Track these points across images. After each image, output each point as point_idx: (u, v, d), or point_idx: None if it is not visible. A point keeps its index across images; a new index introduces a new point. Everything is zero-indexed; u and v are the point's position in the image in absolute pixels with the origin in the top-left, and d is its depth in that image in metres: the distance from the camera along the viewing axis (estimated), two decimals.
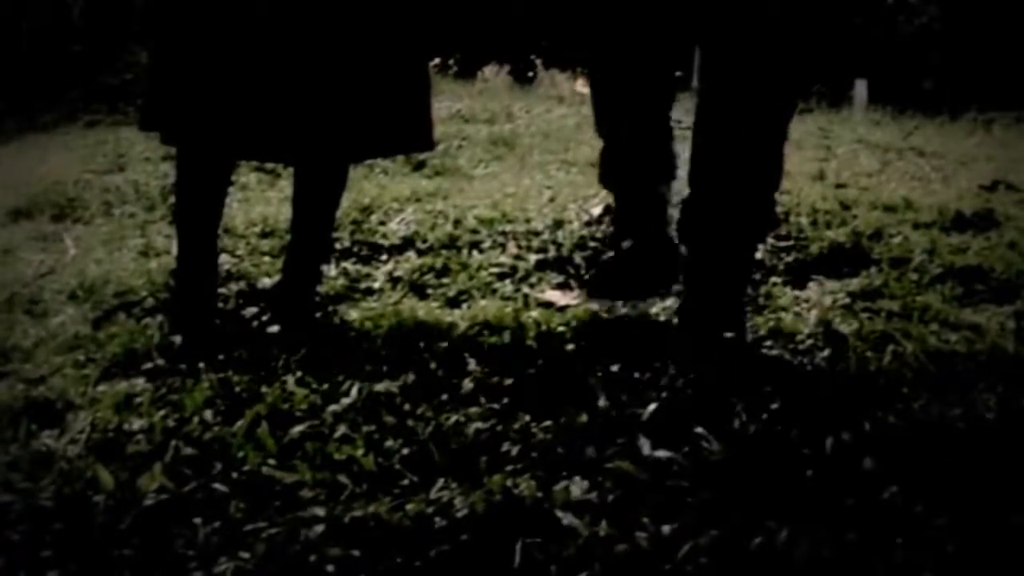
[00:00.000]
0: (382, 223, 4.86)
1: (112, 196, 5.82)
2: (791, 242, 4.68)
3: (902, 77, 17.57)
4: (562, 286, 4.30)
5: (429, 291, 4.21)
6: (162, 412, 3.00)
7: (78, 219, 5.56)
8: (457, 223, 4.83)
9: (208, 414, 2.99)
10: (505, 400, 3.10)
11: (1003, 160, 7.61)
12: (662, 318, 3.86)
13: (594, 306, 3.96)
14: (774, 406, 3.06)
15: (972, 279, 4.34)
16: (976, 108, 12.74)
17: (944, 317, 3.93)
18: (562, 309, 3.98)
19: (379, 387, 3.17)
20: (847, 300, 4.10)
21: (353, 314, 3.94)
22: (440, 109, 8.43)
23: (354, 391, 3.13)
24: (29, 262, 4.73)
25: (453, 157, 6.45)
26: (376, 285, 4.24)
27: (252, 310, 4.00)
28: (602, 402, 3.09)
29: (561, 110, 9.65)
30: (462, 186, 5.65)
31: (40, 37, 8.05)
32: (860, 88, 17.23)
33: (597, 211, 4.92)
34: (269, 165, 6.27)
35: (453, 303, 4.08)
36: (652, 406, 3.04)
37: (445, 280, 4.28)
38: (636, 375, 3.31)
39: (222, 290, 4.16)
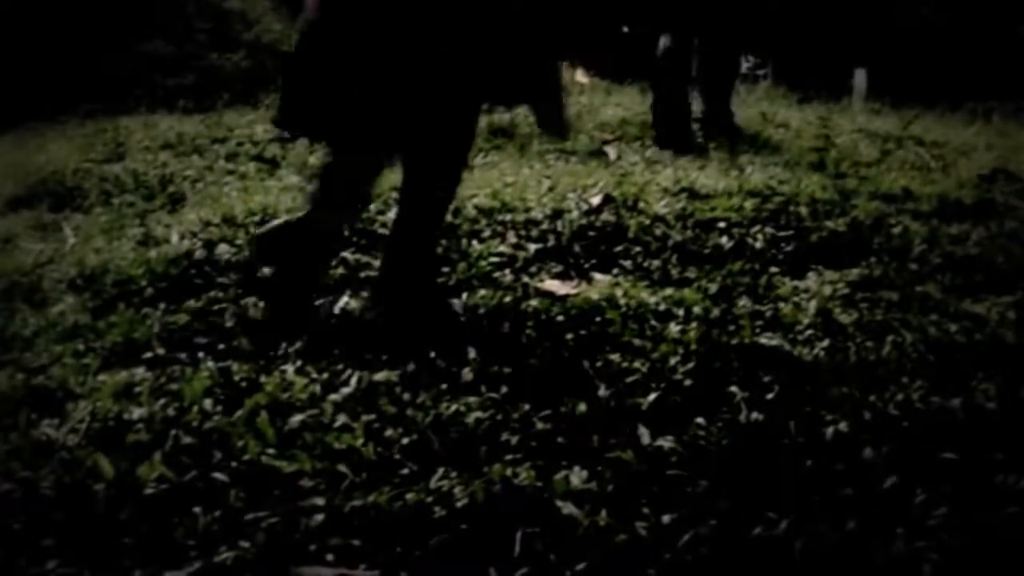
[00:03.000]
0: (381, 212, 4.84)
1: (111, 185, 5.81)
2: (790, 232, 4.66)
3: (902, 67, 17.53)
4: (562, 275, 4.29)
5: None
6: (162, 401, 3.00)
7: (77, 208, 5.55)
8: (457, 212, 4.80)
9: (208, 403, 2.99)
10: (505, 389, 3.10)
11: (1003, 149, 7.59)
12: (662, 307, 3.84)
13: (593, 295, 3.96)
14: (772, 396, 3.07)
15: (972, 269, 4.33)
16: (976, 97, 12.71)
17: (944, 307, 3.92)
18: (562, 298, 3.97)
19: (379, 376, 3.17)
20: (847, 290, 4.09)
21: (353, 303, 3.93)
22: None
23: (353, 380, 3.14)
24: (29, 251, 4.72)
25: None
26: (375, 274, 4.22)
27: (251, 299, 3.99)
28: (602, 392, 3.09)
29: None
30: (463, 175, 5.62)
31: (39, 26, 8.04)
32: (859, 78, 17.21)
33: (596, 200, 4.91)
34: (268, 154, 6.28)
35: (453, 292, 4.06)
36: (652, 396, 3.05)
37: (445, 269, 4.26)
38: (637, 365, 3.30)
39: (222, 279, 4.17)
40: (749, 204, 4.96)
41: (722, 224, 4.71)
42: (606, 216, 4.76)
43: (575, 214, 4.78)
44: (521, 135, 6.76)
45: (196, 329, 3.71)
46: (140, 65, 8.38)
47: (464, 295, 4.00)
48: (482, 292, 4.02)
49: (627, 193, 5.05)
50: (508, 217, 4.77)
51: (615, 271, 4.32)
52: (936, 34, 18.12)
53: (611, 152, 6.22)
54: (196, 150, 6.40)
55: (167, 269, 4.25)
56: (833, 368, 3.32)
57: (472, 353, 3.35)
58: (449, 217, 4.74)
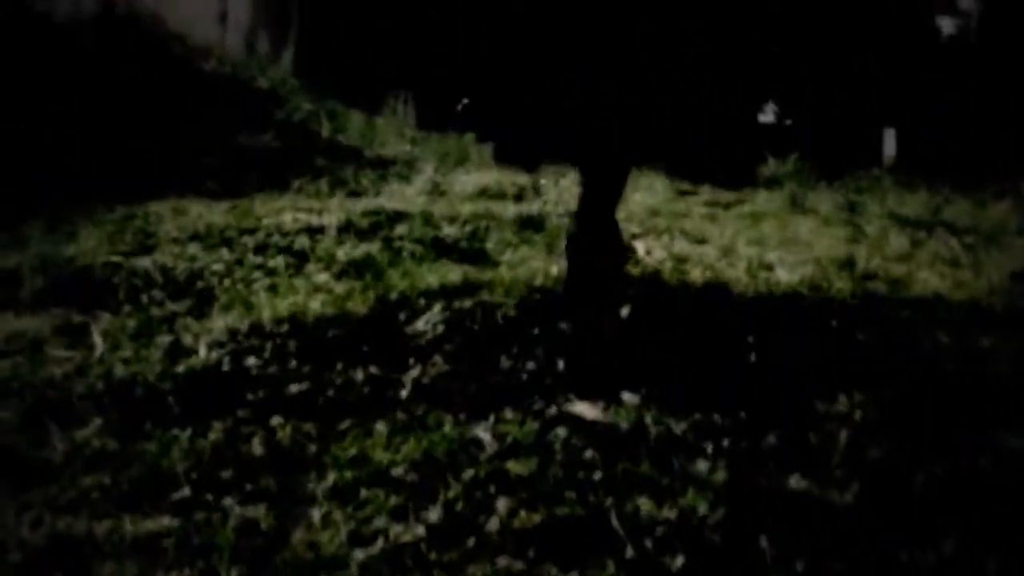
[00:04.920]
0: (409, 321, 4.84)
1: (140, 281, 5.79)
2: (821, 347, 4.63)
3: (931, 129, 17.50)
4: (590, 395, 4.26)
5: (455, 399, 4.18)
6: (187, 570, 2.98)
7: (106, 306, 5.52)
8: (485, 320, 4.80)
9: (235, 573, 2.97)
10: (531, 548, 3.08)
11: None
12: (690, 438, 3.82)
13: (622, 423, 3.94)
14: (803, 564, 3.04)
15: (1004, 393, 4.29)
16: (1005, 159, 12.66)
17: (974, 437, 3.89)
18: (590, 425, 3.96)
19: (405, 536, 3.14)
20: (877, 414, 4.06)
21: (380, 427, 3.92)
22: (467, 183, 8.44)
23: (380, 540, 3.11)
24: (58, 359, 4.72)
25: (481, 240, 6.41)
26: (403, 394, 4.22)
27: (278, 419, 3.98)
28: (629, 552, 3.06)
29: None
30: (489, 276, 5.60)
31: (68, 106, 8.08)
32: (889, 139, 17.21)
33: (625, 311, 4.89)
34: (296, 247, 6.28)
35: (479, 414, 4.05)
36: (680, 559, 3.01)
37: (471, 387, 4.26)
38: (665, 512, 3.28)
39: (250, 395, 4.17)
40: (779, 308, 4.94)
41: (751, 338, 4.68)
42: (635, 327, 4.74)
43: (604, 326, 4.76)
44: (551, 227, 6.75)
45: (223, 458, 3.70)
46: (170, 144, 8.40)
47: (492, 417, 3.99)
48: (510, 415, 4.00)
49: (657, 300, 5.03)
50: (536, 330, 4.75)
51: (643, 389, 4.29)
52: (965, 99, 18.09)
53: (640, 247, 6.19)
54: (225, 242, 6.38)
55: (195, 384, 4.25)
56: (864, 518, 3.29)
57: (500, 503, 3.33)
58: (477, 327, 4.75)
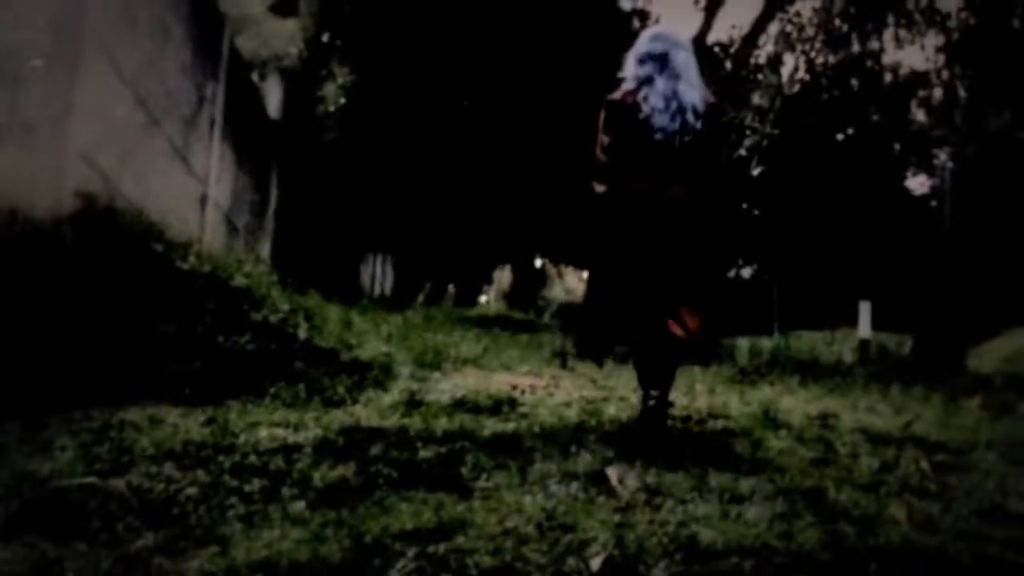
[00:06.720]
0: (383, 570, 4.87)
1: (115, 506, 5.81)
2: None
3: (905, 300, 17.75)
4: None
5: None
6: None
7: (82, 534, 5.53)
8: (461, 572, 4.85)
9: None
10: None
11: (1002, 445, 7.72)
12: None
13: None
14: None
15: None
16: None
17: None
18: None
19: None
20: None
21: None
22: (443, 393, 8.53)
23: None
24: None
25: (456, 462, 6.48)
26: None
27: None
28: None
29: (565, 385, 9.80)
30: (462, 512, 5.64)
31: (44, 310, 8.15)
32: (864, 311, 17.48)
33: (596, 564, 4.93)
34: (272, 467, 6.32)
35: None
36: None
37: None
38: None
39: None
40: (748, 565, 4.98)
41: None
42: None
43: None
44: (525, 449, 6.82)
45: None
46: (149, 346, 8.47)
47: None
48: None
49: (628, 549, 5.07)
50: None
51: None
52: (938, 268, 18.35)
53: (612, 476, 6.25)
54: (201, 462, 6.43)
55: None
56: None
57: None
58: None
